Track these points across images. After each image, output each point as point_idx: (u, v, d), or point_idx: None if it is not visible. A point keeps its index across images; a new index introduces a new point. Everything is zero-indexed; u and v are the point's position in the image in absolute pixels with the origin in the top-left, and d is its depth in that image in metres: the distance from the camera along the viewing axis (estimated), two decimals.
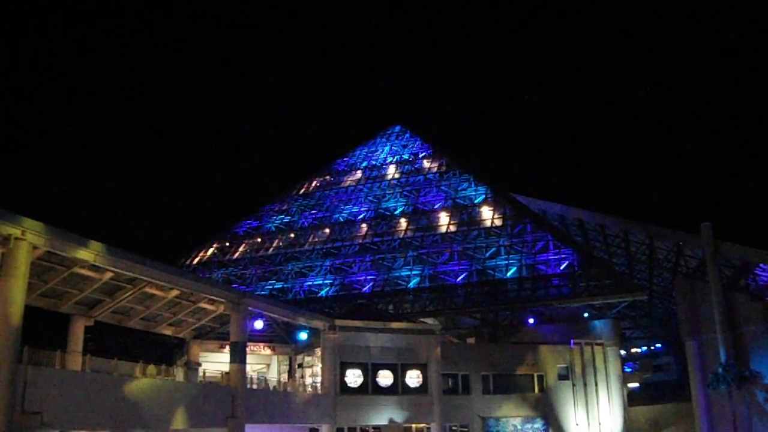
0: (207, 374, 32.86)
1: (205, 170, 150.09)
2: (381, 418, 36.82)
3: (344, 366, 36.99)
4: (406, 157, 65.85)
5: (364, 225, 57.63)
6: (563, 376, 42.01)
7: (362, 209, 59.80)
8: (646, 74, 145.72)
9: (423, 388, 38.07)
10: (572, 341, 42.60)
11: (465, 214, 55.15)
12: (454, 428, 39.56)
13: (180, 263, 59.13)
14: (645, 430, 44.98)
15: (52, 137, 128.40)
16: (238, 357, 30.81)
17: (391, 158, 66.45)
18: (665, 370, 67.07)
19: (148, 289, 29.48)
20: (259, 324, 35.03)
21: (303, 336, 39.06)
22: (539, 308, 46.69)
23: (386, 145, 69.07)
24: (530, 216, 53.50)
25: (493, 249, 50.82)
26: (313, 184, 66.76)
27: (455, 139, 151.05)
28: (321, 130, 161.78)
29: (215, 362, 36.01)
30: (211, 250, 61.63)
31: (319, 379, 37.59)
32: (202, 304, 32.78)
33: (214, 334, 38.31)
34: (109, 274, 26.71)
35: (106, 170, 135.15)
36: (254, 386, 34.77)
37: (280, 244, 59.33)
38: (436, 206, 57.37)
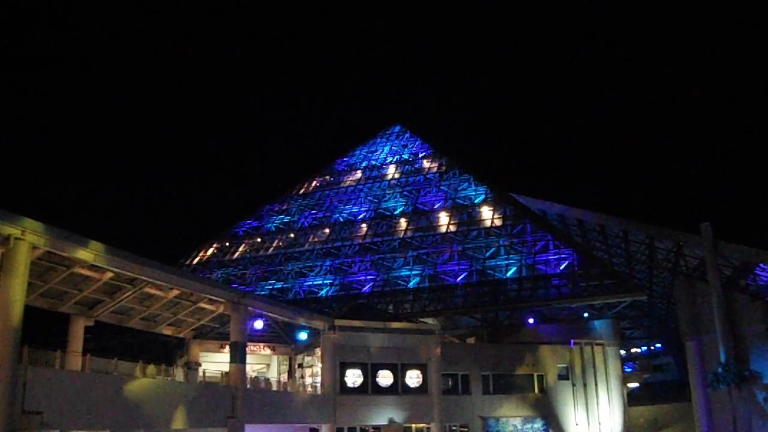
0: (207, 374, 32.81)
1: (204, 170, 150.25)
2: (381, 418, 36.79)
3: (344, 366, 36.94)
4: (406, 157, 65.82)
5: (364, 225, 57.63)
6: (563, 376, 41.96)
7: (362, 209, 59.80)
8: (646, 73, 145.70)
9: (423, 388, 38.03)
10: (572, 341, 42.55)
11: (465, 214, 55.15)
12: (454, 428, 39.50)
13: (180, 263, 59.17)
14: (645, 430, 44.99)
15: (53, 137, 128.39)
16: (238, 357, 30.82)
17: (391, 158, 66.42)
18: (665, 370, 67.01)
19: (148, 289, 29.46)
20: (259, 324, 34.97)
21: (303, 336, 39.00)
22: (539, 308, 46.64)
23: (386, 145, 69.04)
24: (530, 216, 53.48)
25: (493, 249, 50.84)
26: (313, 184, 66.75)
27: (455, 139, 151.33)
28: (321, 130, 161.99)
29: (215, 362, 35.96)
30: (211, 250, 61.68)
31: (319, 379, 37.54)
32: (202, 304, 32.75)
33: (214, 334, 38.29)
34: (109, 274, 26.70)
35: (106, 170, 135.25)
36: (254, 386, 34.75)
37: (280, 244, 59.35)
38: (436, 206, 57.36)
